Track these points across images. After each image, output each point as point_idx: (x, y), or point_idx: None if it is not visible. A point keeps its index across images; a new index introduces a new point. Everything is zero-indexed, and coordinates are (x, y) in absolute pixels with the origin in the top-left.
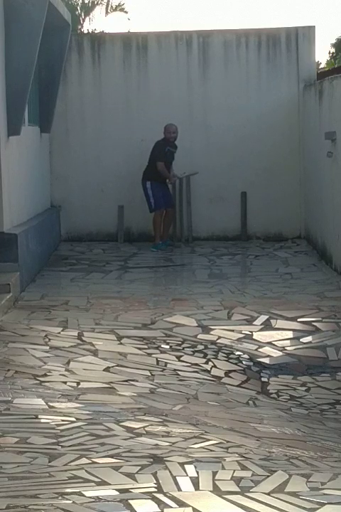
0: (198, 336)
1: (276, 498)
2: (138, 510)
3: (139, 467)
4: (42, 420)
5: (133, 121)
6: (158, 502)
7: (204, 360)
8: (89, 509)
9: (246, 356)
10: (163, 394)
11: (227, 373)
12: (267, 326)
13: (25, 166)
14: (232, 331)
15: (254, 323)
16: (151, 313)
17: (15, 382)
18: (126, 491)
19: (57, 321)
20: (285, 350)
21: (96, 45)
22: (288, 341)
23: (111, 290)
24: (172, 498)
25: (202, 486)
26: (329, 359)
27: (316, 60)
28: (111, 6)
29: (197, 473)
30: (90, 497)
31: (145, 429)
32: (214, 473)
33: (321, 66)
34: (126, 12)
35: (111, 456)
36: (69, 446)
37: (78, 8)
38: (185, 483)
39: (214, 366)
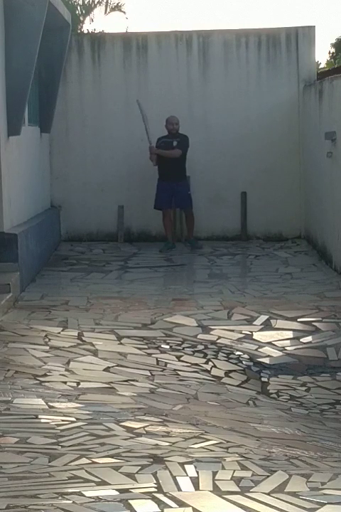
0: (198, 336)
1: (276, 498)
2: (138, 510)
3: (139, 467)
4: (42, 420)
5: (133, 121)
6: (158, 502)
7: (204, 360)
8: (89, 509)
9: (246, 356)
10: (163, 394)
11: (227, 373)
12: (267, 326)
13: (25, 166)
14: (232, 331)
15: (254, 323)
16: (151, 313)
17: (15, 382)
18: (126, 491)
19: (57, 321)
20: (285, 350)
21: (96, 45)
22: (288, 341)
23: (111, 290)
24: (172, 498)
25: (202, 486)
26: (329, 359)
27: (316, 60)
28: (111, 6)
29: (197, 473)
30: (90, 497)
31: (145, 429)
32: (214, 473)
33: (321, 66)
34: (124, 12)
35: (111, 456)
36: (69, 446)
37: (78, 8)
38: (185, 483)
39: (214, 366)
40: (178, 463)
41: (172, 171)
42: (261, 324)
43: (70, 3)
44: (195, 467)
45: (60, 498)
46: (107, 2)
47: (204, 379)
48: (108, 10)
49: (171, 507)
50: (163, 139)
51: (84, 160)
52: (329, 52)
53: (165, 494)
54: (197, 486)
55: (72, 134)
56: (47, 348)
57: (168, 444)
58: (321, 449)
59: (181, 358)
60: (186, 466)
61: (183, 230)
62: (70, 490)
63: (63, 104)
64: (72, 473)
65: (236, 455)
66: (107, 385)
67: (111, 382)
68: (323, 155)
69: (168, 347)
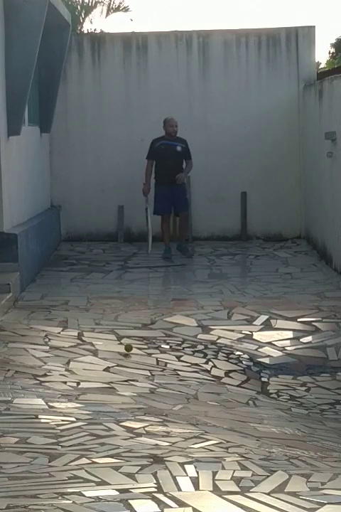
0: (198, 336)
1: (276, 498)
2: (138, 510)
3: (139, 467)
4: (42, 420)
5: (133, 121)
6: (158, 502)
7: (204, 360)
8: (89, 509)
9: (246, 356)
10: (163, 394)
11: (227, 373)
12: (267, 326)
13: (25, 166)
14: (232, 331)
15: (254, 323)
16: (151, 313)
17: (15, 382)
18: (126, 491)
19: (57, 321)
20: (285, 350)
21: (96, 45)
22: (288, 341)
23: (111, 290)
24: (172, 498)
25: (202, 486)
26: (329, 359)
27: (316, 60)
28: (113, 7)
29: (197, 473)
30: (90, 497)
31: (145, 429)
32: (214, 473)
33: (321, 66)
34: (128, 11)
35: (111, 456)
36: (69, 446)
37: (78, 7)
38: (185, 483)
39: (214, 366)
40: (178, 463)
41: (172, 174)
42: (261, 324)
43: (70, 3)
44: (195, 467)
45: (60, 498)
46: (110, 3)
47: (204, 379)
48: (111, 11)
49: (171, 507)
50: (163, 142)
51: (84, 160)
52: (330, 52)
53: (165, 494)
54: (197, 486)
55: (72, 134)
56: (47, 348)
57: (168, 444)
58: (321, 449)
59: (181, 358)
60: (186, 466)
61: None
62: (70, 490)
63: (63, 104)
64: (72, 473)
65: (236, 455)
66: (107, 385)
67: (111, 382)
68: (323, 155)
69: (168, 347)
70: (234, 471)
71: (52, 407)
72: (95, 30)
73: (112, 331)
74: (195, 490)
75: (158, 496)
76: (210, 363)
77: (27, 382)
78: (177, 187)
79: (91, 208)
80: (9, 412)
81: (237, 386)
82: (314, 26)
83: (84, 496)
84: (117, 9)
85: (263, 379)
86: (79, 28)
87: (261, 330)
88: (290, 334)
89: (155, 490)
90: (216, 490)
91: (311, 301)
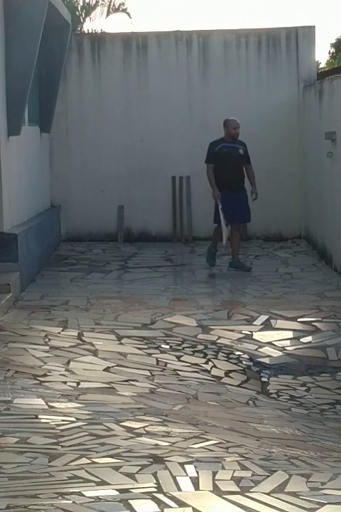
0: (198, 336)
1: (276, 498)
2: (138, 510)
3: (139, 467)
4: (42, 420)
5: (133, 122)
6: (158, 502)
7: (204, 360)
8: (89, 509)
9: (246, 356)
10: (163, 394)
11: (227, 373)
12: (267, 326)
13: (25, 166)
14: (232, 331)
15: (254, 323)
16: (151, 313)
17: (15, 382)
18: (126, 491)
19: (57, 321)
20: (285, 350)
21: (96, 45)
22: (288, 341)
23: (111, 290)
24: (172, 498)
25: (202, 486)
26: (329, 359)
27: (316, 60)
28: (113, 7)
29: (197, 473)
30: (90, 497)
31: (145, 429)
32: (214, 473)
33: (321, 66)
34: (128, 13)
35: (111, 456)
36: (69, 446)
37: (78, 8)
38: (185, 483)
39: (214, 366)
40: (178, 463)
41: (234, 179)
42: (261, 324)
43: (70, 3)
44: (195, 467)
45: (60, 498)
46: (110, 3)
47: (204, 379)
48: (110, 11)
49: (171, 507)
50: (225, 145)
51: (84, 160)
52: (329, 52)
53: (165, 494)
54: (197, 486)
55: (72, 134)
56: (47, 348)
57: (168, 444)
58: (321, 449)
59: (181, 358)
60: (186, 466)
61: (184, 230)
62: (70, 490)
63: (63, 104)
64: (72, 473)
65: (236, 455)
66: (107, 385)
67: (111, 382)
68: (323, 155)
69: (168, 347)
70: (234, 471)
71: (52, 407)
72: (95, 30)
73: (112, 331)
74: (195, 490)
75: (158, 496)
76: (210, 363)
77: (27, 382)
78: (240, 194)
79: (91, 208)
80: (9, 412)
81: (237, 386)
82: (314, 26)
83: (84, 496)
84: (117, 10)
85: (263, 379)
86: (79, 28)
87: (261, 330)
88: (290, 334)
89: (155, 490)
90: (216, 490)
91: (311, 301)
